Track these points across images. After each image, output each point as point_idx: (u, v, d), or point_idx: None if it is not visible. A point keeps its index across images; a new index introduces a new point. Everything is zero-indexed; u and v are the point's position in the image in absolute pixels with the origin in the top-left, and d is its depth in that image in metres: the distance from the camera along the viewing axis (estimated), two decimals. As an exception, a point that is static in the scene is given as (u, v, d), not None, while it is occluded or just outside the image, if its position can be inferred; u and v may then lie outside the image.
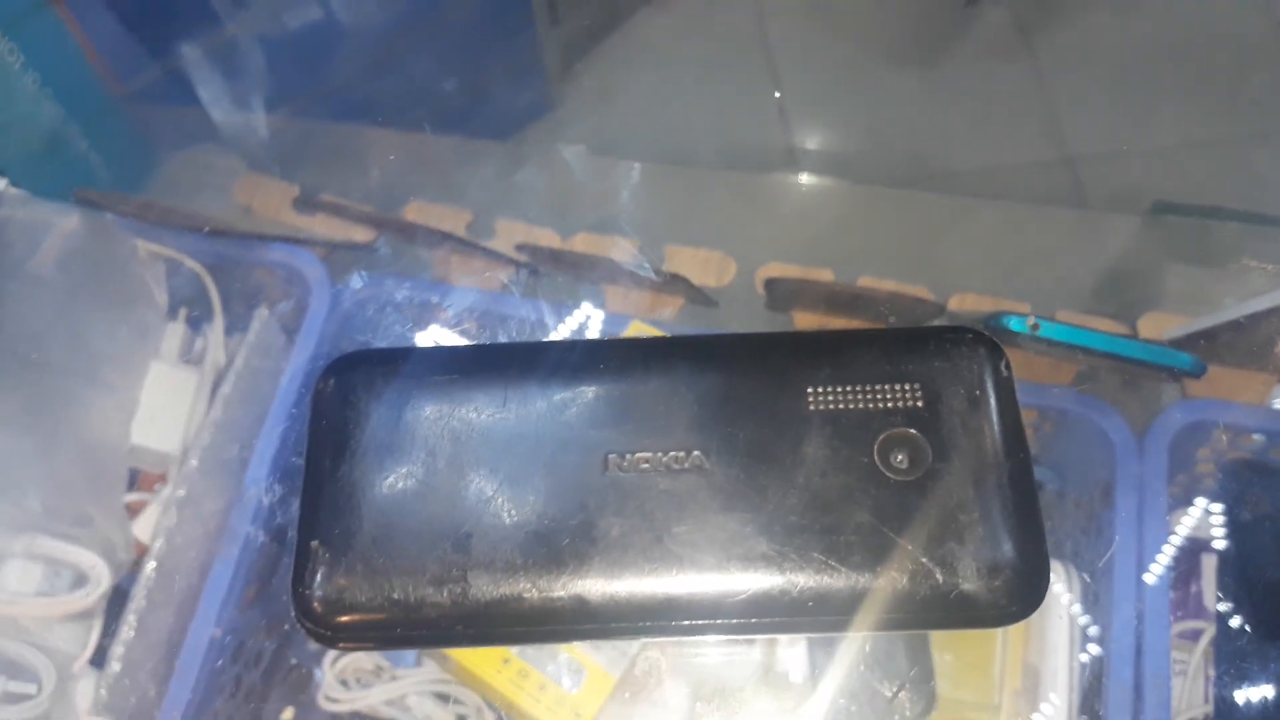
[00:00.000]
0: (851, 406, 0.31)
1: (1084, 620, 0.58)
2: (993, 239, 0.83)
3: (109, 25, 0.76)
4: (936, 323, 0.63)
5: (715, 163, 0.90)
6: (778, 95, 0.93)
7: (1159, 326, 0.64)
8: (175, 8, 0.80)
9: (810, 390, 0.32)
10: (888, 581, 0.29)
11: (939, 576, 0.29)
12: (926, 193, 0.89)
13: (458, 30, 0.92)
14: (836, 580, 0.29)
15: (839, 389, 0.31)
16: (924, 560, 0.29)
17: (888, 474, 0.30)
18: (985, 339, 0.32)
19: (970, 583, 0.29)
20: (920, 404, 0.31)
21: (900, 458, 0.31)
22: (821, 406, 0.31)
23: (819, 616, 0.30)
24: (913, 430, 0.31)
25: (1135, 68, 1.01)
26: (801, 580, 0.29)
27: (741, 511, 0.30)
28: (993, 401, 0.31)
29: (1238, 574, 0.59)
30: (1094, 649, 0.57)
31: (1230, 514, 0.60)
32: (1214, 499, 0.61)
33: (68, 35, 0.72)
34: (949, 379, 0.31)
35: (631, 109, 0.97)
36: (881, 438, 0.31)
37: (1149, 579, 0.57)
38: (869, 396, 0.31)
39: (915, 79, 1.03)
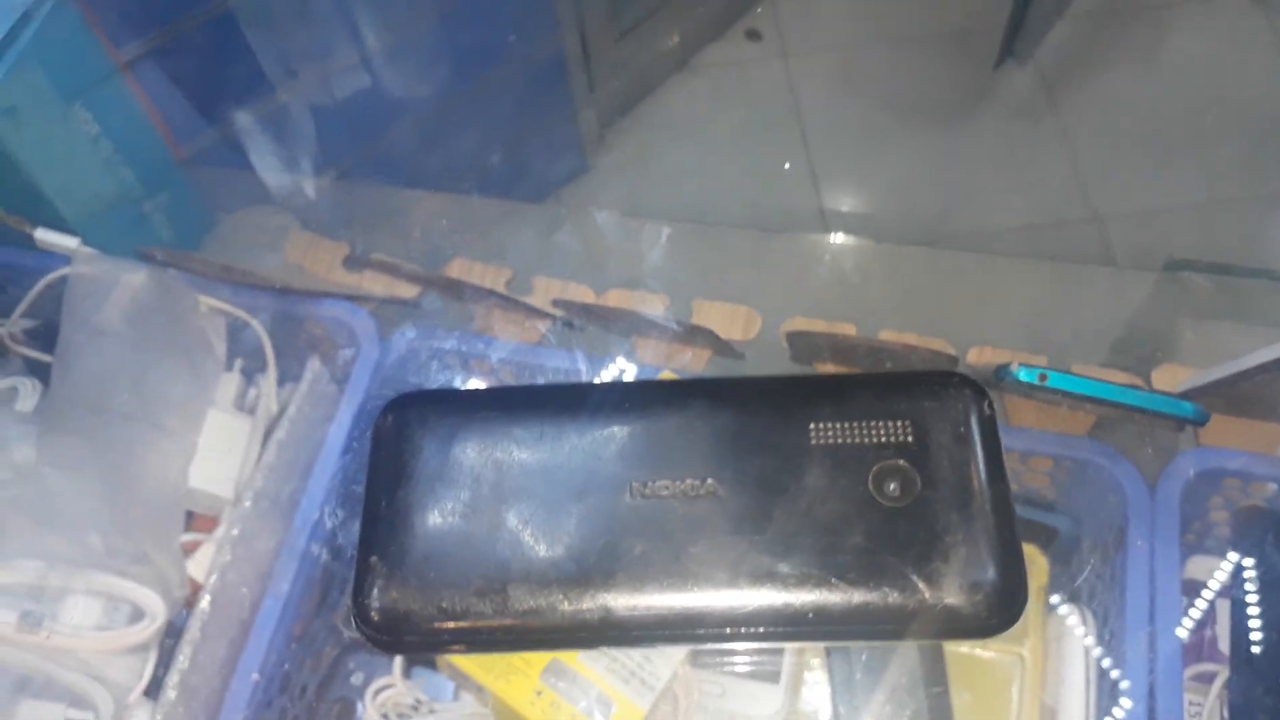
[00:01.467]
0: (849, 441, 0.34)
1: (1099, 662, 0.60)
2: (1012, 294, 0.85)
3: (171, 91, 0.81)
4: (952, 374, 0.66)
5: (744, 221, 0.93)
6: (787, 166, 0.96)
7: (1173, 378, 0.66)
8: (231, 74, 0.85)
9: (812, 426, 0.35)
10: (880, 596, 0.32)
11: (926, 592, 0.32)
12: (947, 250, 0.92)
13: (498, 97, 0.96)
14: (834, 595, 0.32)
15: (838, 425, 0.34)
16: (913, 577, 0.32)
17: (881, 501, 0.33)
18: (970, 382, 0.35)
19: (954, 598, 0.32)
20: (911, 439, 0.34)
21: (892, 486, 0.33)
22: (822, 441, 0.34)
23: (818, 627, 0.32)
24: (904, 462, 0.34)
25: (1155, 127, 1.04)
26: (803, 594, 0.32)
27: (750, 534, 0.33)
28: (976, 437, 0.34)
29: (1250, 619, 0.61)
30: (1109, 691, 0.59)
31: (1243, 560, 0.62)
32: (1227, 546, 0.63)
33: (135, 102, 0.77)
34: (937, 417, 0.34)
35: (663, 171, 1.01)
36: (875, 469, 0.34)
37: (1162, 623, 0.58)
38: (865, 432, 0.34)
39: (941, 139, 1.06)
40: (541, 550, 0.33)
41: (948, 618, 0.32)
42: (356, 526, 0.34)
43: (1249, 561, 0.62)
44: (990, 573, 0.32)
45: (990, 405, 0.35)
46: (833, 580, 0.32)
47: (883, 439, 0.34)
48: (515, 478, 0.34)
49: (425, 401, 0.37)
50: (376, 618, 0.33)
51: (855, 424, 0.35)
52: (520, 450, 0.35)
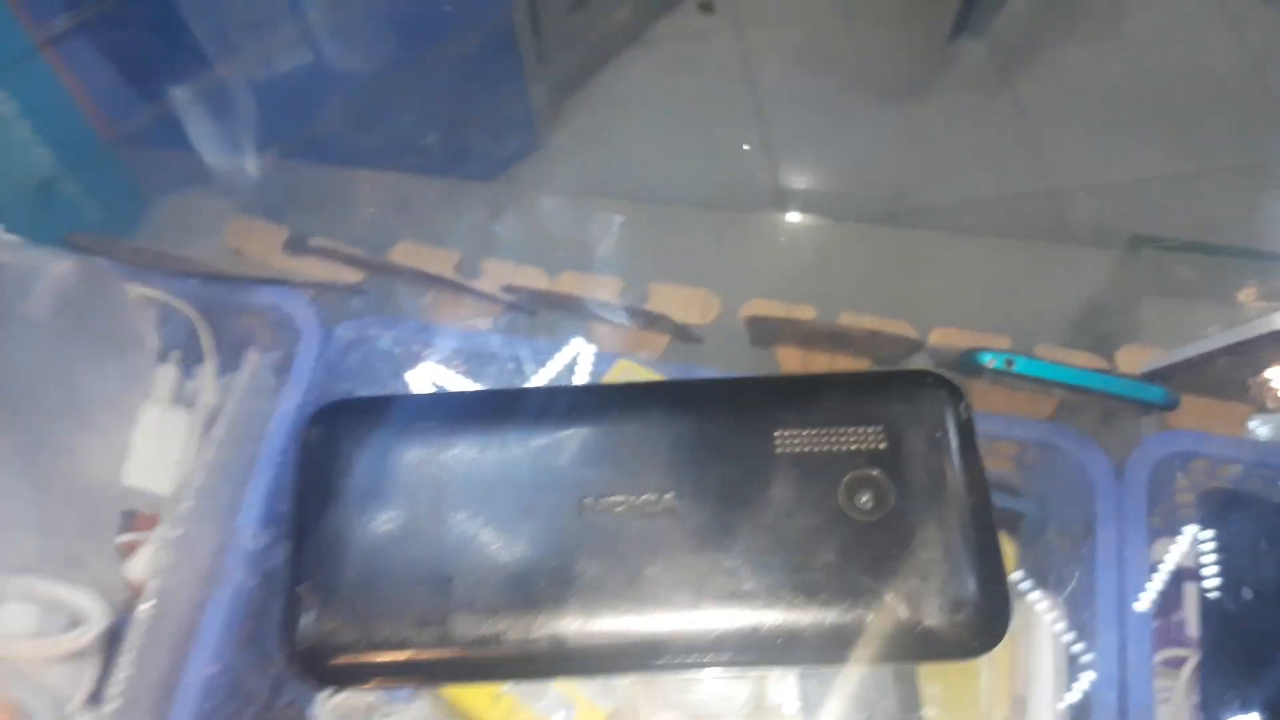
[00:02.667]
0: (817, 449, 0.32)
1: (1068, 650, 0.59)
2: (974, 273, 0.84)
3: (100, 70, 0.77)
4: (915, 358, 0.64)
5: (700, 200, 0.91)
6: (746, 148, 0.94)
7: (1137, 359, 0.65)
8: (165, 52, 0.81)
9: (777, 434, 0.33)
10: (853, 618, 0.30)
11: (903, 612, 0.30)
12: (908, 229, 0.90)
13: (446, 72, 0.93)
14: (804, 618, 0.30)
15: (804, 432, 0.32)
16: (888, 597, 0.30)
17: (852, 515, 0.31)
18: (946, 381, 0.33)
19: (933, 618, 0.30)
20: (883, 446, 0.32)
21: (865, 498, 0.32)
22: (788, 449, 0.32)
23: (789, 652, 0.30)
24: (876, 472, 0.32)
25: (1113, 102, 1.03)
26: (770, 618, 0.30)
27: (712, 552, 0.31)
28: (953, 443, 0.32)
29: (1219, 601, 0.60)
30: (1079, 677, 0.58)
31: (1210, 542, 0.61)
32: (1194, 527, 0.62)
33: (57, 82, 0.73)
34: (911, 421, 0.32)
35: (618, 148, 0.99)
36: (846, 479, 0.32)
37: (1131, 608, 0.57)
38: (833, 439, 0.32)
39: (898, 115, 1.05)
40: (486, 574, 0.31)
41: (927, 640, 0.30)
42: (284, 549, 0.32)
43: (1215, 543, 0.61)
44: (972, 591, 0.30)
45: (967, 407, 0.33)
46: (803, 602, 0.30)
47: (853, 446, 0.32)
48: (456, 494, 0.32)
49: (355, 410, 0.34)
50: (307, 651, 0.31)
51: (823, 431, 0.33)
52: (461, 463, 0.33)
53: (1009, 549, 0.61)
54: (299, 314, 0.64)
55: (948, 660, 0.31)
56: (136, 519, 0.64)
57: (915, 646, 0.30)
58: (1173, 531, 0.63)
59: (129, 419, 0.63)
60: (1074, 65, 1.08)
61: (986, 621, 0.31)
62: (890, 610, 0.30)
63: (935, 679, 0.59)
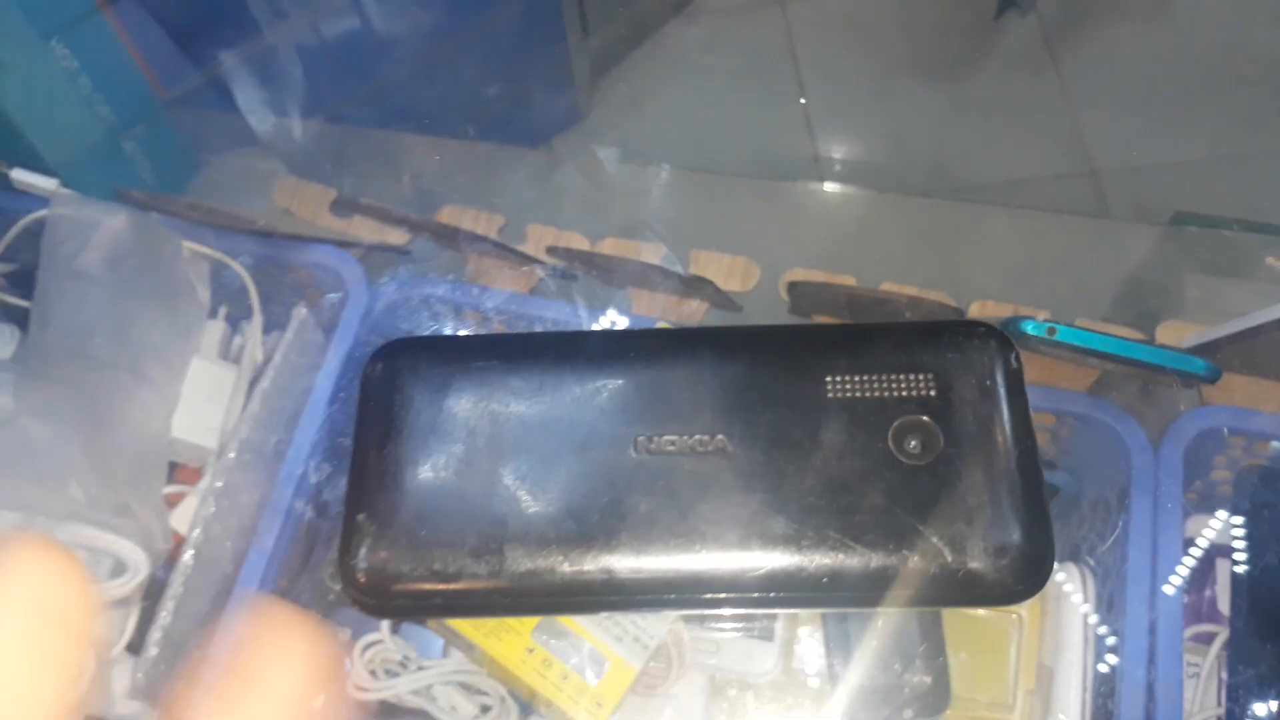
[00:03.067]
0: (868, 395, 0.33)
1: (1098, 622, 0.59)
2: (1014, 247, 0.84)
3: (155, 31, 0.78)
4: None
5: (742, 170, 0.91)
6: (803, 101, 0.94)
7: (1177, 335, 0.65)
8: (218, 14, 0.82)
9: (829, 379, 0.33)
10: (899, 560, 0.31)
11: (948, 556, 0.31)
12: (949, 201, 0.90)
13: (492, 40, 0.94)
14: (851, 558, 0.31)
15: (856, 378, 0.33)
16: (934, 540, 0.31)
17: (901, 459, 0.32)
18: (997, 333, 0.34)
19: (978, 562, 0.31)
20: (933, 393, 0.33)
21: (913, 443, 0.32)
22: (839, 394, 0.33)
23: (834, 592, 0.31)
24: (925, 418, 0.32)
25: (1160, 81, 1.02)
26: (817, 558, 0.31)
27: (762, 492, 0.32)
28: (1002, 392, 0.33)
29: (1252, 579, 0.60)
30: (1108, 651, 0.58)
31: (1246, 520, 0.61)
32: (1230, 505, 0.62)
33: (116, 40, 0.74)
34: (961, 370, 0.33)
35: (660, 118, 0.99)
36: (896, 424, 0.32)
37: (1163, 583, 0.58)
38: (884, 386, 0.33)
39: (941, 91, 1.04)
40: (540, 508, 0.32)
41: (971, 583, 0.31)
42: (343, 482, 0.33)
43: (1251, 520, 0.61)
44: (1016, 536, 0.31)
45: (1017, 358, 0.33)
46: (850, 542, 0.31)
47: (904, 393, 0.33)
48: (512, 431, 0.33)
49: (417, 349, 0.35)
50: (364, 580, 0.31)
51: (874, 377, 0.33)
52: (518, 402, 0.33)
53: (1043, 520, 0.62)
54: (346, 272, 0.65)
55: (990, 605, 0.31)
56: (180, 471, 0.65)
57: (959, 590, 0.31)
58: (1208, 508, 0.63)
59: (179, 372, 0.64)
60: (1120, 43, 1.07)
61: (1030, 567, 0.31)
62: (935, 553, 0.31)
63: (962, 647, 0.59)
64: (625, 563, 0.31)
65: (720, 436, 0.33)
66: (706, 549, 0.31)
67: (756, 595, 0.31)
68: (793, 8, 1.08)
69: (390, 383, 0.34)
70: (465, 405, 0.33)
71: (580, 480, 0.32)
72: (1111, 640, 0.58)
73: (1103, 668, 0.58)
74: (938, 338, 0.33)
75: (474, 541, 0.31)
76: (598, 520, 0.32)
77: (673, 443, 0.33)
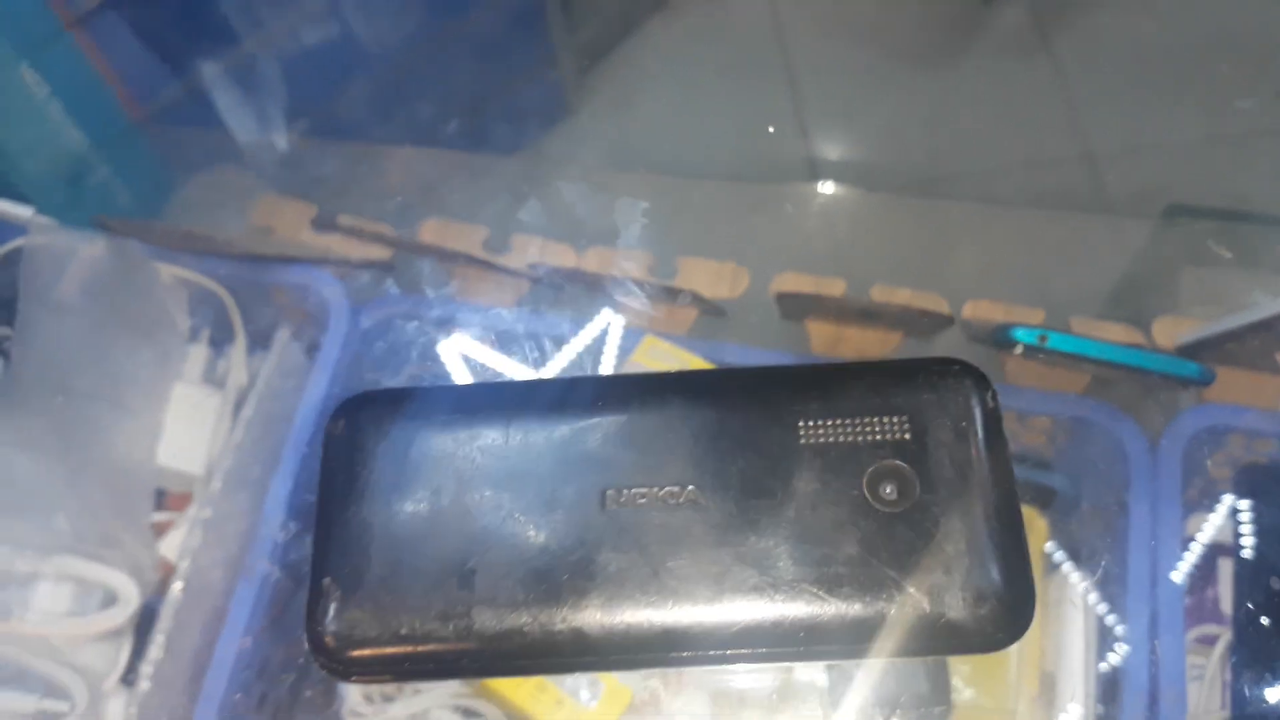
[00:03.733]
0: (841, 440, 0.32)
1: (1100, 626, 0.58)
2: (1008, 245, 0.83)
3: (126, 49, 0.77)
4: (947, 332, 0.64)
5: (729, 172, 0.90)
6: (771, 130, 0.93)
7: (1173, 330, 0.64)
8: (189, 28, 0.81)
9: (801, 424, 0.32)
10: (876, 611, 0.30)
11: (926, 606, 0.30)
12: (942, 200, 0.89)
13: (473, 45, 0.93)
14: (826, 610, 0.30)
15: (829, 422, 0.32)
16: (911, 590, 0.30)
17: (876, 506, 0.31)
18: (972, 370, 0.33)
19: (956, 611, 0.30)
20: (908, 436, 0.32)
21: (889, 489, 0.31)
22: (812, 440, 0.32)
23: (811, 646, 0.30)
24: (901, 462, 0.31)
25: (1153, 65, 1.01)
26: (793, 611, 0.30)
27: (734, 545, 0.31)
28: (979, 433, 0.32)
29: (1254, 578, 0.59)
30: (1110, 655, 0.57)
31: (1246, 518, 0.60)
32: (1230, 503, 0.61)
33: (86, 62, 0.73)
34: (936, 411, 0.32)
35: (646, 118, 0.98)
36: (870, 470, 0.31)
37: (1164, 584, 0.57)
38: (858, 430, 0.32)
39: (932, 80, 1.03)
40: (508, 568, 0.31)
41: (950, 633, 0.30)
42: (308, 541, 0.32)
43: (1251, 518, 0.60)
44: (995, 583, 0.30)
45: (994, 396, 0.32)
46: (825, 595, 0.30)
47: (878, 436, 0.32)
48: (479, 487, 0.32)
49: (379, 403, 0.34)
50: (331, 644, 0.31)
51: (847, 420, 0.32)
52: (484, 456, 0.33)
53: (1041, 525, 0.61)
54: (328, 293, 0.64)
55: (971, 653, 0.30)
56: (169, 498, 0.65)
57: (939, 639, 0.30)
58: (1208, 507, 0.62)
59: (161, 399, 0.63)
60: (1113, 28, 1.05)
61: (1010, 614, 0.30)
62: (914, 603, 0.30)
63: (964, 657, 0.58)
64: (595, 622, 0.30)
65: (691, 487, 0.32)
66: (679, 606, 0.30)
67: (731, 652, 0.30)
68: (779, -1, 1.07)
69: (352, 440, 0.33)
70: (430, 462, 0.33)
71: (548, 537, 0.31)
72: (1113, 644, 0.57)
73: (1105, 670, 0.57)
74: (912, 378, 0.33)
75: (441, 604, 0.31)
76: (567, 580, 0.31)
77: (643, 495, 0.32)
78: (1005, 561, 0.30)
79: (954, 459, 0.31)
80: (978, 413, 0.32)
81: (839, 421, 0.32)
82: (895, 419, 0.32)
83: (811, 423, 0.32)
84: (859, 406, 0.32)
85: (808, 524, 0.31)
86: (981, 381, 0.32)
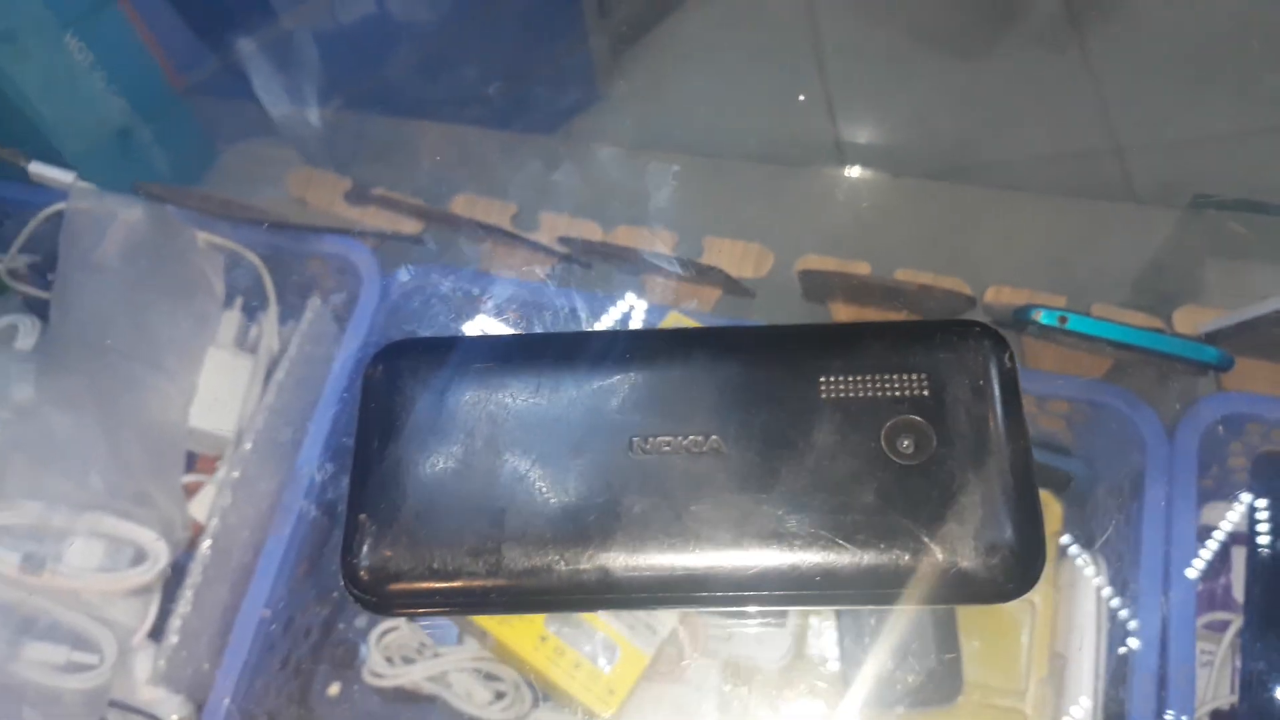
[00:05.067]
0: (861, 395, 0.33)
1: (1112, 609, 0.59)
2: (1032, 231, 0.83)
3: (170, 20, 0.79)
4: (968, 315, 0.64)
5: (757, 154, 0.91)
6: (801, 99, 0.93)
7: (1195, 319, 0.65)
8: (231, 2, 0.82)
9: (822, 379, 0.33)
10: (890, 559, 0.31)
11: (939, 555, 0.31)
12: (966, 185, 0.89)
13: (508, 24, 0.94)
14: (842, 557, 0.31)
15: (849, 378, 0.33)
16: (925, 539, 0.31)
17: (893, 458, 0.32)
18: (991, 331, 0.34)
19: (969, 561, 0.31)
20: (926, 393, 0.33)
21: (906, 443, 0.32)
22: (832, 395, 0.33)
23: (826, 591, 0.31)
24: (918, 418, 0.32)
25: (1184, 56, 1.00)
26: (810, 556, 0.31)
27: (755, 492, 0.32)
28: (996, 391, 0.33)
29: (1268, 566, 0.60)
30: (1121, 638, 0.58)
31: (1261, 507, 0.61)
32: (1246, 492, 0.62)
33: (132, 31, 0.74)
34: (954, 369, 0.33)
35: (677, 100, 0.98)
36: (889, 424, 0.32)
37: (1176, 571, 0.57)
38: (877, 385, 0.33)
39: (962, 68, 1.03)
40: (537, 508, 0.32)
41: (962, 582, 0.31)
42: (346, 481, 0.33)
43: (1267, 507, 0.61)
44: (1007, 535, 0.31)
45: (1011, 357, 0.33)
46: (841, 542, 0.31)
47: (897, 392, 0.33)
48: (510, 432, 0.33)
49: (416, 350, 0.35)
50: (366, 578, 0.32)
51: (867, 377, 0.33)
52: (516, 402, 0.34)
53: (1056, 508, 0.62)
54: (361, 262, 0.65)
55: (982, 602, 0.31)
56: (199, 460, 0.66)
57: (951, 588, 0.31)
58: (1224, 495, 0.62)
59: (196, 362, 0.65)
60: (1145, 18, 1.05)
61: (1021, 565, 0.31)
62: (927, 552, 0.31)
63: (976, 635, 0.59)
64: (620, 562, 0.31)
65: (715, 437, 0.33)
66: (700, 548, 0.32)
67: (749, 594, 0.31)
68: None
69: (390, 384, 0.34)
70: (464, 406, 0.34)
71: (577, 480, 0.32)
72: (1125, 627, 0.58)
73: (1116, 653, 0.58)
74: (931, 337, 0.33)
75: (472, 540, 0.32)
76: (594, 520, 0.32)
77: (668, 443, 0.33)
78: (1017, 515, 0.31)
79: (970, 416, 0.32)
80: (995, 373, 0.33)
81: (859, 378, 0.33)
82: (914, 376, 0.33)
83: (832, 378, 0.33)
84: (879, 363, 0.33)
85: (826, 474, 0.32)
86: (1000, 343, 0.33)
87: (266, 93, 0.77)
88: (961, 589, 0.31)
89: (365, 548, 0.32)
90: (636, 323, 0.64)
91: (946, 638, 0.58)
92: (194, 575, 0.59)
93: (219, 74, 0.82)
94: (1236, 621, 0.60)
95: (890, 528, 0.31)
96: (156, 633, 0.60)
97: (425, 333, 0.64)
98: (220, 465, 0.64)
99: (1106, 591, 0.59)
